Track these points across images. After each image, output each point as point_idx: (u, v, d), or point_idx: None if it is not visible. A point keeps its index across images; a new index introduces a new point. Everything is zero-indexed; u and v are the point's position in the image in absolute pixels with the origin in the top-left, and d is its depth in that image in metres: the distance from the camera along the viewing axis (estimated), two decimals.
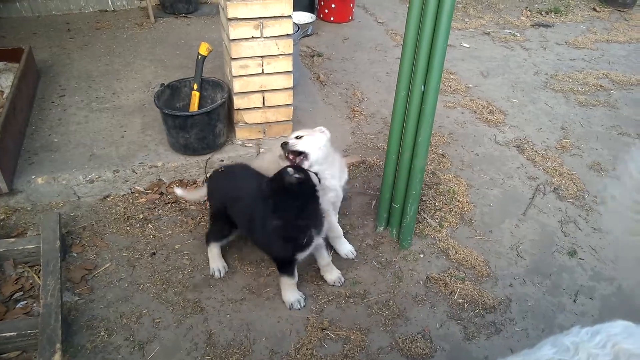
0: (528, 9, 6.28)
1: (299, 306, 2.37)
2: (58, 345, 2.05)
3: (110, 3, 5.18)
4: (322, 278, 2.53)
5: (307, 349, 2.19)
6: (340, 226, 2.80)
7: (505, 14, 6.12)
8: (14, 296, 2.42)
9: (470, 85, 4.47)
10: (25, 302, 2.39)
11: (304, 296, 2.40)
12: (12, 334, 2.12)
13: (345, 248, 2.67)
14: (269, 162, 2.56)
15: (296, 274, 2.36)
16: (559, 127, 3.91)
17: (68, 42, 4.47)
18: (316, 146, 2.38)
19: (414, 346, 2.23)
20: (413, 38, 2.29)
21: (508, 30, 5.68)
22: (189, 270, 2.57)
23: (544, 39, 5.54)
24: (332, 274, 2.50)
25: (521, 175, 3.36)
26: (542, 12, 6.20)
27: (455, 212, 2.98)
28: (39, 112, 3.47)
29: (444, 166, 3.38)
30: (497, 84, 4.52)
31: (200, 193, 2.82)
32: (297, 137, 2.41)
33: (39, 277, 2.48)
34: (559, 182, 3.28)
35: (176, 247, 2.71)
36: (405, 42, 2.31)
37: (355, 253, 2.68)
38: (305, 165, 2.33)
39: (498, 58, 5.04)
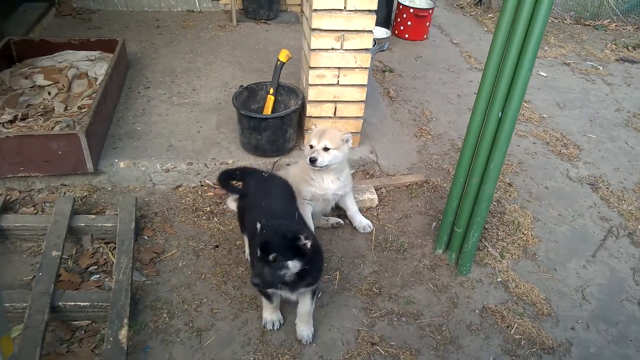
0: (614, 42, 6.04)
1: (271, 327, 2.34)
2: (125, 321, 2.19)
3: (197, 4, 5.46)
4: (375, 292, 2.55)
5: None
6: (399, 243, 2.83)
7: (589, 46, 5.91)
8: (89, 269, 2.60)
9: (545, 116, 4.35)
10: (98, 275, 2.57)
11: (282, 320, 2.36)
12: (85, 304, 2.28)
13: (362, 222, 2.92)
14: (293, 176, 2.85)
15: (276, 300, 2.30)
16: (639, 169, 3.74)
17: (156, 38, 4.75)
18: (333, 162, 2.67)
19: None
20: (495, 64, 2.28)
21: (590, 63, 5.49)
22: (248, 267, 2.66)
23: (628, 74, 5.31)
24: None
25: (593, 214, 3.23)
26: (629, 47, 5.95)
27: (519, 244, 2.92)
28: (125, 100, 3.71)
29: (510, 195, 3.31)
30: (573, 117, 4.38)
31: None
32: (325, 149, 2.63)
33: (112, 255, 2.66)
34: (634, 226, 3.14)
35: (238, 242, 2.81)
36: (487, 67, 2.30)
37: (371, 227, 2.92)
38: (317, 165, 2.63)
39: (577, 90, 4.88)
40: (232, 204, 3.01)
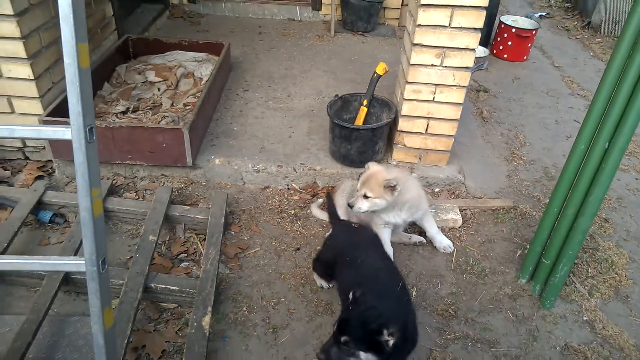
0: None
1: None
2: (209, 309, 2.33)
3: (298, 13, 5.66)
4: (451, 314, 2.51)
5: None
6: (480, 267, 2.76)
7: None
8: (180, 256, 2.79)
9: None
10: (187, 263, 2.74)
11: None
12: (175, 288, 2.46)
13: (442, 242, 2.89)
14: (339, 197, 2.92)
15: None
16: None
17: (257, 44, 4.99)
18: (373, 208, 2.64)
19: None
20: (608, 90, 2.17)
21: None
22: None
23: None
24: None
25: None
26: None
27: (610, 284, 2.74)
28: (225, 101, 3.93)
29: (605, 232, 3.11)
30: None
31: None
32: (365, 196, 2.61)
33: (202, 245, 2.83)
34: None
35: (318, 247, 2.88)
36: (598, 93, 2.19)
37: (452, 248, 2.89)
38: (355, 211, 2.65)
39: None
40: (315, 210, 3.10)
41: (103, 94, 3.65)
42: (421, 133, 3.25)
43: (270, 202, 3.21)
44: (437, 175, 3.34)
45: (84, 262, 1.55)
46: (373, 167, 2.70)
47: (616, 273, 2.79)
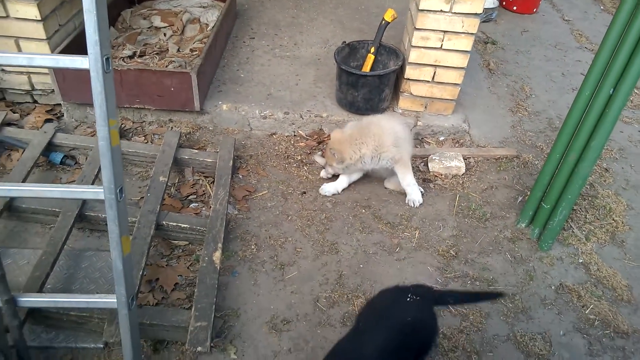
0: None
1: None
2: (219, 245, 2.42)
3: None
4: (452, 255, 2.61)
5: None
6: (481, 212, 2.84)
7: None
8: (189, 197, 2.87)
9: None
10: (196, 204, 2.82)
11: None
12: (185, 225, 2.54)
13: (410, 195, 2.88)
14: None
15: None
16: None
17: None
18: (340, 172, 2.88)
19: (531, 344, 2.23)
20: (614, 39, 2.18)
21: None
22: (331, 214, 2.80)
23: None
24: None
25: None
26: None
27: (607, 229, 2.82)
28: (231, 48, 3.92)
29: (605, 181, 3.18)
30: None
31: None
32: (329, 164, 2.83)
33: (210, 187, 2.90)
34: None
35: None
36: (605, 41, 2.21)
37: (417, 204, 2.87)
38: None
39: None
40: (318, 158, 3.14)
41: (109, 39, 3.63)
42: (428, 81, 3.26)
43: (277, 148, 3.26)
44: (442, 124, 3.37)
45: (102, 190, 1.62)
46: (332, 135, 2.86)
47: (613, 219, 2.87)
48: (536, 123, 3.66)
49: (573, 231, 2.79)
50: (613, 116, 2.26)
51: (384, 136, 2.75)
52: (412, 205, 2.87)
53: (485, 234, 2.74)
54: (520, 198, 2.98)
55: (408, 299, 1.80)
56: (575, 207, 2.90)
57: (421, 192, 2.93)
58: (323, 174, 3.04)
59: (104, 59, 1.43)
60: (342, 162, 2.77)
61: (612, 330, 2.31)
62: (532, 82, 4.15)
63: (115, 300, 1.81)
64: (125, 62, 3.40)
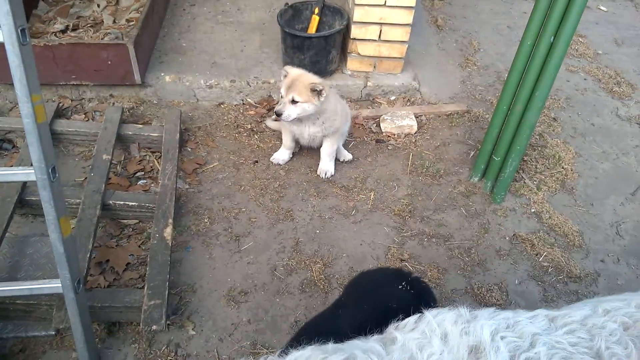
0: None
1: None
2: (170, 220, 2.34)
3: None
4: (407, 214, 2.62)
5: None
6: (435, 169, 2.86)
7: None
8: (136, 174, 2.75)
9: (600, 52, 4.14)
10: (145, 181, 2.72)
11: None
12: (133, 203, 2.44)
13: (322, 167, 2.79)
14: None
15: None
16: None
17: None
18: (302, 114, 2.51)
19: (488, 295, 2.28)
20: None
21: None
22: (285, 182, 2.76)
23: None
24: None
25: (638, 154, 3.14)
26: None
27: (557, 177, 2.89)
28: (171, 17, 3.73)
29: (553, 130, 3.24)
30: (631, 55, 4.14)
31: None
32: (293, 101, 2.46)
33: (158, 162, 2.79)
34: None
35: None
36: None
37: (328, 175, 2.78)
38: (283, 119, 2.53)
39: (638, 27, 4.57)
40: (270, 123, 3.07)
41: (39, 13, 3.39)
42: (374, 40, 3.20)
43: (225, 118, 3.16)
44: (392, 83, 3.33)
45: (33, 171, 1.52)
46: (293, 71, 2.54)
47: (563, 167, 2.94)
48: (485, 77, 3.68)
49: (525, 182, 2.84)
50: (555, 64, 2.27)
51: (338, 105, 2.70)
52: (323, 176, 2.79)
53: (440, 191, 2.76)
54: (472, 153, 3.01)
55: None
56: (525, 158, 2.96)
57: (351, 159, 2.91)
58: (270, 124, 2.99)
59: (19, 30, 1.33)
60: (319, 99, 2.48)
61: (565, 276, 2.38)
62: (480, 37, 4.16)
63: (60, 284, 1.73)
64: (57, 36, 3.18)
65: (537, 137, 3.14)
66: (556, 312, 1.11)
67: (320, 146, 2.77)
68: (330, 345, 1.01)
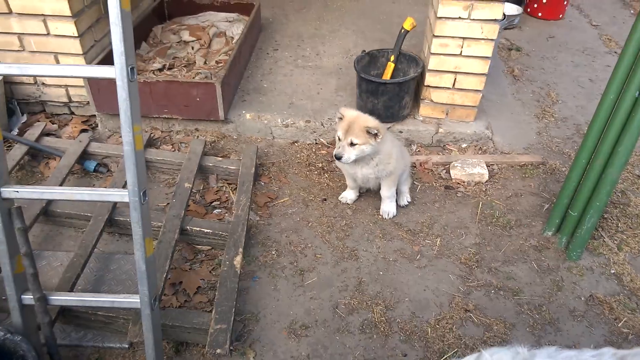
0: None
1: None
2: (240, 250, 2.45)
3: None
4: (474, 263, 2.57)
5: (447, 323, 2.28)
6: (505, 220, 2.79)
7: None
8: (212, 203, 2.92)
9: None
10: (219, 210, 2.87)
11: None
12: (208, 230, 2.59)
13: (384, 208, 2.85)
14: None
15: None
16: None
17: (288, 5, 5.00)
18: (360, 155, 2.54)
19: None
20: (638, 40, 2.14)
21: None
22: (351, 221, 2.81)
23: None
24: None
25: None
26: None
27: None
28: (255, 60, 4.00)
29: (637, 188, 3.08)
30: None
31: None
32: (351, 144, 2.50)
33: (233, 194, 2.95)
34: None
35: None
36: (628, 42, 2.16)
37: (391, 216, 2.83)
38: (343, 161, 2.56)
39: None
40: (340, 164, 3.15)
41: (141, 53, 3.76)
42: (448, 88, 3.24)
43: (298, 155, 3.29)
44: (465, 130, 3.34)
45: (127, 193, 1.68)
46: (348, 113, 2.58)
47: None
48: (563, 129, 3.59)
49: (604, 240, 2.71)
50: (639, 120, 2.20)
51: (394, 147, 2.72)
52: (386, 217, 2.82)
53: (510, 242, 2.69)
54: (546, 206, 2.92)
55: None
56: (606, 216, 2.82)
57: (405, 204, 2.93)
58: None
59: (129, 68, 1.51)
60: (376, 140, 2.52)
61: None
62: (559, 88, 4.08)
63: (139, 300, 1.86)
64: (155, 74, 3.50)
65: (620, 195, 2.99)
66: (626, 351, 1.04)
67: (378, 188, 2.82)
68: None
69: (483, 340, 2.22)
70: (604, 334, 2.27)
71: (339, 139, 2.55)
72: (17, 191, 1.69)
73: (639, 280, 2.51)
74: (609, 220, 2.83)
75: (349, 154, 2.51)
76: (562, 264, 2.59)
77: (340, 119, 2.58)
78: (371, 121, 2.54)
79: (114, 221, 2.65)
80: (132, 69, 1.51)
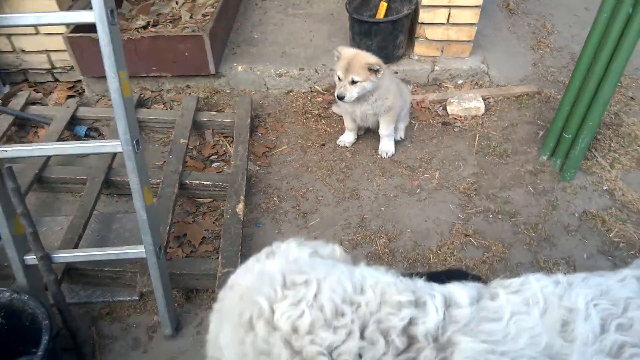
0: None
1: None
2: (242, 197, 2.49)
3: None
4: (473, 192, 2.61)
5: (448, 248, 2.34)
6: (502, 149, 2.81)
7: None
8: (210, 157, 2.94)
9: None
10: (218, 163, 2.90)
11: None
12: (208, 183, 2.62)
13: (383, 148, 2.84)
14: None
15: None
16: None
17: None
18: (362, 92, 2.55)
19: (555, 268, 2.23)
20: None
21: None
22: (351, 163, 2.83)
23: None
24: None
25: None
26: None
27: (632, 156, 2.75)
28: (244, 11, 3.93)
29: (630, 109, 3.07)
30: None
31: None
32: (352, 82, 2.49)
33: (230, 147, 2.97)
34: None
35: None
36: None
37: (390, 155, 2.84)
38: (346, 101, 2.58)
39: None
40: (336, 109, 3.16)
41: (123, 12, 3.70)
42: (442, 24, 3.19)
43: (294, 105, 3.29)
44: (460, 66, 3.31)
45: (119, 143, 1.70)
46: (346, 51, 2.57)
47: (639, 145, 2.79)
48: (558, 59, 3.55)
49: (597, 160, 2.73)
50: (633, 37, 2.18)
51: (393, 83, 2.72)
52: (385, 156, 2.84)
53: (507, 170, 2.72)
54: (541, 132, 2.93)
55: None
56: (599, 137, 2.84)
57: (398, 140, 2.92)
58: (336, 109, 3.05)
59: (108, 10, 1.49)
60: (377, 77, 2.53)
61: (638, 251, 2.28)
62: (555, 19, 4.00)
63: (144, 249, 1.91)
64: (139, 32, 3.46)
65: (613, 116, 2.99)
66: None
67: (377, 127, 2.83)
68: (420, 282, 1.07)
69: (483, 260, 2.28)
70: (596, 245, 2.34)
71: (339, 78, 2.54)
72: (6, 150, 1.66)
73: (631, 194, 2.55)
74: (602, 141, 2.84)
75: (351, 93, 2.52)
76: (556, 185, 2.63)
77: (338, 58, 2.57)
78: (371, 57, 2.53)
79: (111, 182, 2.65)
80: (111, 11, 1.50)
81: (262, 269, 1.17)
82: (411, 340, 0.95)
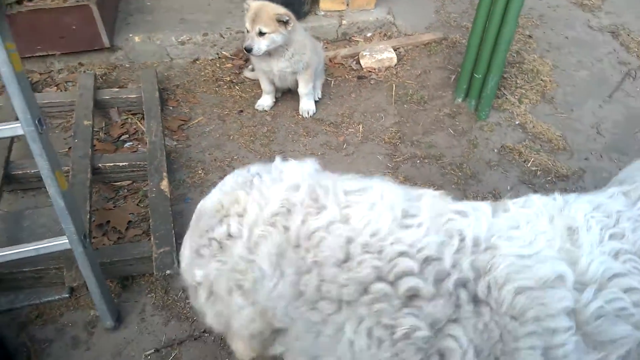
0: None
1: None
2: (164, 174, 2.32)
3: None
4: (398, 140, 2.65)
5: None
6: (419, 96, 2.87)
7: None
8: (121, 138, 2.71)
9: None
10: (131, 143, 2.68)
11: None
12: (124, 164, 2.41)
13: (303, 107, 2.79)
14: None
15: None
16: None
17: None
18: (271, 46, 2.48)
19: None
20: None
21: None
22: (272, 126, 2.75)
23: None
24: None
25: (612, 60, 3.22)
26: None
27: (537, 90, 2.95)
28: None
29: (529, 47, 3.28)
30: None
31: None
32: (260, 33, 2.43)
33: (141, 123, 2.75)
34: None
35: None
36: None
37: (311, 114, 2.80)
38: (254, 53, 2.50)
39: None
40: (248, 73, 3.04)
41: None
42: None
43: (203, 73, 3.11)
44: (367, 18, 3.31)
45: (19, 124, 1.48)
46: (254, 3, 2.48)
47: (541, 80, 3.00)
48: (459, 4, 3.68)
49: (506, 97, 2.89)
50: None
51: (307, 39, 2.67)
52: (306, 115, 2.80)
53: (426, 115, 2.79)
54: (453, 77, 3.03)
55: None
56: (505, 75, 3.00)
57: (317, 100, 2.88)
58: (248, 74, 2.97)
59: None
60: (286, 29, 2.45)
61: (554, 176, 2.47)
62: None
63: (67, 240, 1.71)
64: (12, 7, 3.04)
65: (515, 55, 3.17)
66: (626, 187, 1.23)
67: (296, 87, 2.76)
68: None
69: None
70: (517, 175, 2.50)
71: (247, 30, 2.43)
72: None
73: (540, 125, 2.75)
74: (509, 79, 3.01)
75: (259, 45, 2.42)
76: (474, 124, 2.75)
77: (247, 9, 2.45)
78: (280, 8, 2.43)
79: (12, 177, 2.35)
80: None
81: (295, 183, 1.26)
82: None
